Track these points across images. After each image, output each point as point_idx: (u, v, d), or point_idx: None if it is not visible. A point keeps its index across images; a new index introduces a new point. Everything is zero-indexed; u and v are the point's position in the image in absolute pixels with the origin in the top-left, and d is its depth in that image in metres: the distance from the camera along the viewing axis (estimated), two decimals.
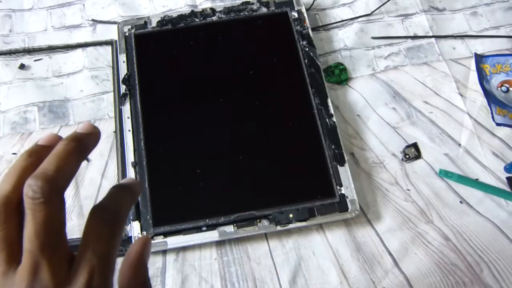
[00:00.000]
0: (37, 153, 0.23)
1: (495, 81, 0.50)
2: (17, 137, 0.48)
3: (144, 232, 0.41)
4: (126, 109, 0.47)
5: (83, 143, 0.24)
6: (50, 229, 0.21)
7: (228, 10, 0.52)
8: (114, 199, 0.24)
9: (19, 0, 0.57)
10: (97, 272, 0.21)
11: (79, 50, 0.53)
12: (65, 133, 0.48)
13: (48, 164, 0.22)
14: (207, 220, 0.41)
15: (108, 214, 0.23)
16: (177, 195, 0.43)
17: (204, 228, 0.41)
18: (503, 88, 0.50)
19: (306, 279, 0.41)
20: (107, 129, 0.48)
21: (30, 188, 0.20)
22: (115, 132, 0.48)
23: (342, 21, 0.54)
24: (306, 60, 0.49)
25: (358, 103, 0.49)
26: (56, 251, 0.21)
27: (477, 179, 0.45)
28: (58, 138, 0.24)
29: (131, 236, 0.41)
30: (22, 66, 0.52)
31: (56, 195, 0.21)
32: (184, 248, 0.42)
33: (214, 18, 0.51)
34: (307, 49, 0.49)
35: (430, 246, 0.42)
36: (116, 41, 0.51)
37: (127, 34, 0.50)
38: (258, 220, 0.42)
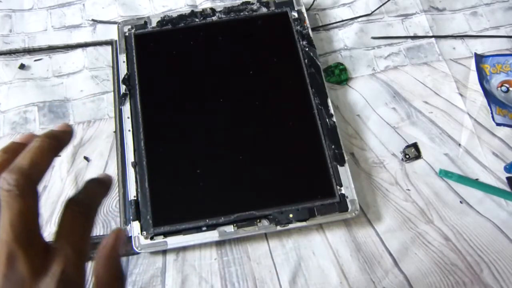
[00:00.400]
0: (12, 150, 0.23)
1: (495, 81, 0.50)
2: (17, 137, 0.48)
3: (145, 233, 0.41)
4: (126, 109, 0.47)
5: (57, 139, 0.25)
6: (25, 220, 0.21)
7: (228, 10, 0.52)
8: (89, 193, 0.25)
9: (19, 0, 0.57)
10: (71, 262, 0.22)
11: (79, 50, 0.53)
12: None
13: (22, 159, 0.22)
14: (207, 220, 0.41)
15: (82, 206, 0.24)
16: (177, 195, 0.43)
17: (204, 228, 0.41)
18: (503, 88, 0.50)
19: (306, 279, 0.41)
20: (107, 129, 0.48)
21: (5, 181, 0.21)
22: (115, 132, 0.48)
23: (342, 21, 0.54)
24: (306, 60, 0.49)
25: (358, 103, 0.49)
26: (31, 241, 0.22)
27: (477, 179, 0.45)
28: (33, 137, 0.24)
29: (131, 236, 0.41)
30: (22, 66, 0.52)
31: (30, 188, 0.22)
32: (184, 248, 0.42)
33: (214, 18, 0.51)
34: (307, 49, 0.49)
35: (430, 246, 0.42)
36: (116, 41, 0.51)
37: (127, 34, 0.50)
38: (258, 220, 0.42)
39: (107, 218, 0.44)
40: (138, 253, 0.42)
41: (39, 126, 0.49)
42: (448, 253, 0.41)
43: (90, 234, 0.24)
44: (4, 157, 0.23)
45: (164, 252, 0.42)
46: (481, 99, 0.49)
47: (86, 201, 0.24)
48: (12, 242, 0.21)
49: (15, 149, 0.24)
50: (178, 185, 0.43)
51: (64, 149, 0.26)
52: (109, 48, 0.53)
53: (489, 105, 0.48)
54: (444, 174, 0.45)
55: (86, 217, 0.24)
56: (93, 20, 0.55)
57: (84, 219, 0.23)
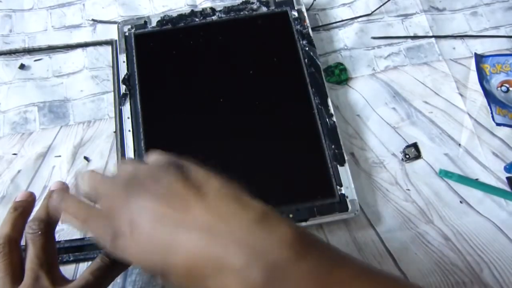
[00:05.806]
0: (18, 208, 0.32)
1: (495, 81, 0.50)
2: (17, 137, 0.48)
3: None
4: (126, 109, 0.47)
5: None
6: (46, 252, 0.30)
7: (228, 10, 0.52)
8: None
9: (19, 0, 0.57)
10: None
11: (79, 50, 0.53)
12: (65, 133, 0.48)
13: (39, 211, 0.32)
14: None
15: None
16: None
17: None
18: (503, 88, 0.50)
19: None
20: (107, 129, 0.48)
21: (30, 227, 0.30)
22: (115, 132, 0.48)
23: (342, 21, 0.54)
24: (306, 60, 0.49)
25: (358, 103, 0.49)
26: (51, 267, 0.30)
27: (477, 179, 0.45)
28: (31, 195, 0.34)
29: None
30: (22, 66, 0.52)
31: (48, 230, 0.31)
32: None
33: (214, 17, 0.51)
34: (307, 48, 0.49)
35: (430, 246, 0.42)
36: (116, 41, 0.51)
37: (127, 34, 0.50)
38: None
39: None
40: None
41: (39, 126, 0.49)
42: (448, 253, 0.41)
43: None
44: (15, 213, 0.32)
45: None
46: (481, 99, 0.49)
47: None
48: (37, 268, 0.29)
49: (19, 206, 0.33)
50: None
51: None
52: (109, 48, 0.53)
53: (489, 105, 0.48)
54: (444, 174, 0.45)
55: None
56: (93, 20, 0.55)
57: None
